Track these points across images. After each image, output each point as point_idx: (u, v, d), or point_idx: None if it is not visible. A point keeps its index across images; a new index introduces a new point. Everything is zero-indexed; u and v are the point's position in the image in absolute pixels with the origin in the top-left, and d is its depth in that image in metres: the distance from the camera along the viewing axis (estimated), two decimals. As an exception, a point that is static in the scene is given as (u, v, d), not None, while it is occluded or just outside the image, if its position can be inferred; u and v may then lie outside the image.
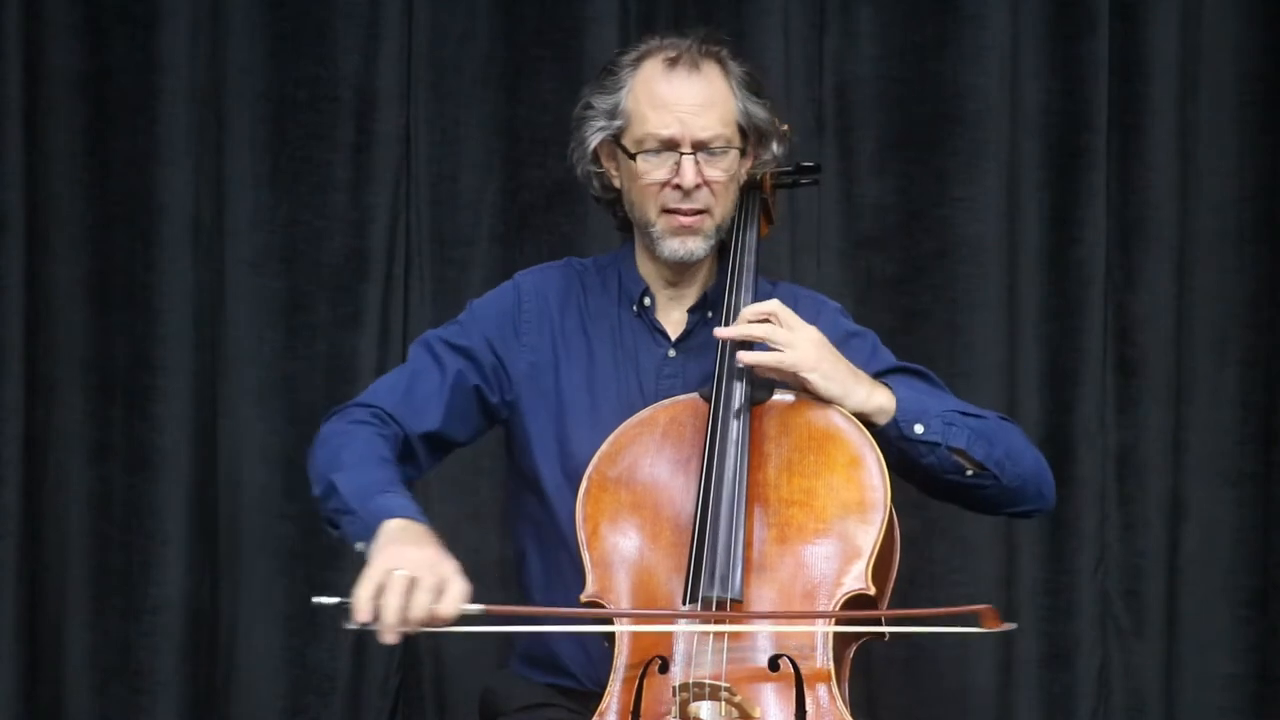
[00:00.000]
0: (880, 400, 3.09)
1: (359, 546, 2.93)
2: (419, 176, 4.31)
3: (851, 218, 4.31)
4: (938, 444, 3.09)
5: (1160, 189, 4.29)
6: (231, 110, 4.29)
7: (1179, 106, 4.29)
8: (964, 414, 3.14)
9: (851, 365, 3.11)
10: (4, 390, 4.21)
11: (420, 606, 2.78)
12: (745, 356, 3.07)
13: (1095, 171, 4.29)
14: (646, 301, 3.25)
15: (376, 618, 2.78)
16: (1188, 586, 4.31)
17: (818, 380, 3.06)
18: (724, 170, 3.16)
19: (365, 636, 4.14)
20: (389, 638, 2.79)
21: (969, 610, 2.88)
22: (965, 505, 3.20)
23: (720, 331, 3.10)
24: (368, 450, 3.08)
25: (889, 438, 3.07)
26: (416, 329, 4.26)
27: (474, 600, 2.82)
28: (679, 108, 3.13)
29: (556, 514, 3.16)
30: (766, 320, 3.08)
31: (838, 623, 2.93)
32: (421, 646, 4.28)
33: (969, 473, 3.11)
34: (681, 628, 2.92)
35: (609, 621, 2.96)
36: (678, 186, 3.14)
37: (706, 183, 3.15)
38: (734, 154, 3.17)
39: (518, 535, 3.28)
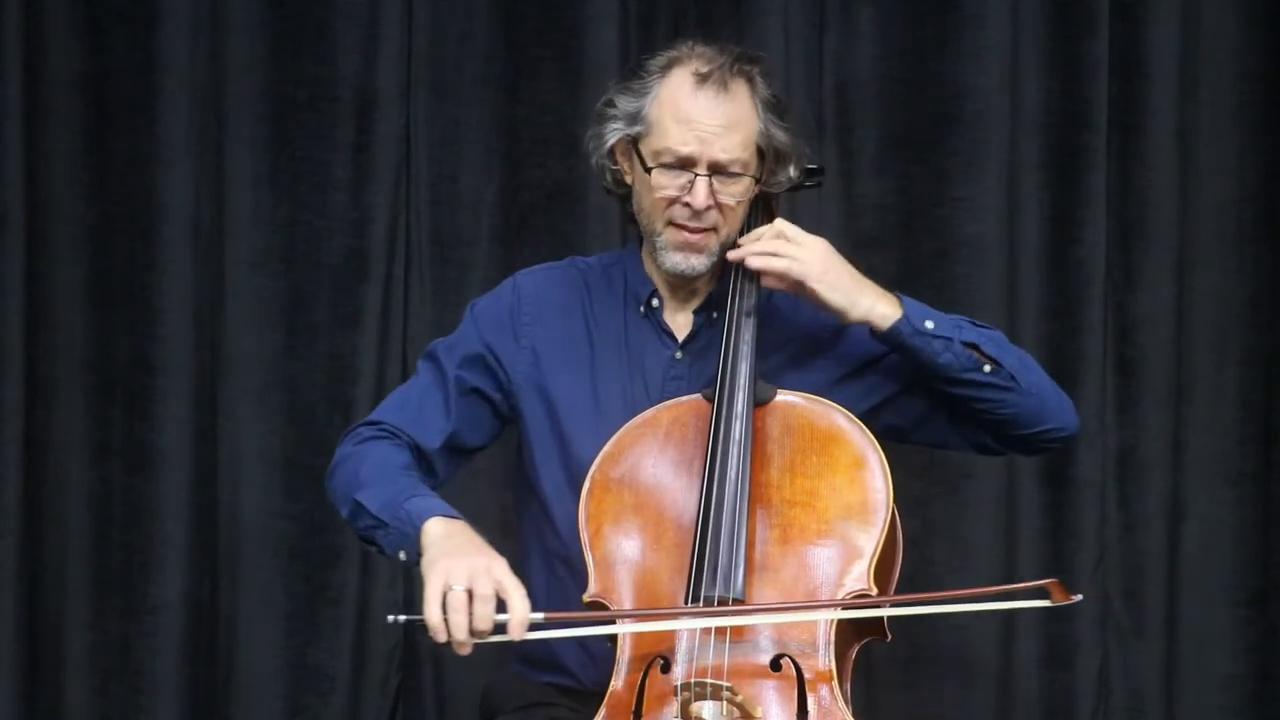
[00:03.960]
0: (885, 308, 3.11)
1: (401, 556, 2.99)
2: (419, 176, 4.30)
3: (851, 218, 4.31)
4: (950, 339, 3.11)
5: (1160, 189, 4.29)
6: (231, 110, 4.29)
7: (1179, 106, 4.29)
8: (973, 324, 3.18)
9: (857, 274, 3.13)
10: (4, 390, 4.20)
11: (484, 618, 2.84)
12: (753, 261, 3.11)
13: (1095, 171, 4.29)
14: (655, 303, 3.24)
15: (449, 635, 2.85)
16: (1188, 586, 4.31)
17: (823, 290, 3.09)
18: (736, 195, 3.15)
19: (364, 632, 4.26)
20: (464, 651, 2.86)
21: (1036, 586, 2.89)
22: (992, 429, 3.19)
23: (733, 254, 3.13)
24: (385, 462, 3.12)
25: (902, 337, 3.10)
26: (416, 329, 4.27)
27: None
28: (701, 127, 3.10)
29: (555, 519, 3.16)
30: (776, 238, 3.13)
31: (889, 605, 2.96)
32: (422, 647, 4.28)
33: (986, 368, 3.12)
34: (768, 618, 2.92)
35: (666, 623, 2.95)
36: (688, 204, 3.14)
37: (718, 204, 3.14)
38: (749, 180, 3.15)
39: (524, 539, 3.27)
